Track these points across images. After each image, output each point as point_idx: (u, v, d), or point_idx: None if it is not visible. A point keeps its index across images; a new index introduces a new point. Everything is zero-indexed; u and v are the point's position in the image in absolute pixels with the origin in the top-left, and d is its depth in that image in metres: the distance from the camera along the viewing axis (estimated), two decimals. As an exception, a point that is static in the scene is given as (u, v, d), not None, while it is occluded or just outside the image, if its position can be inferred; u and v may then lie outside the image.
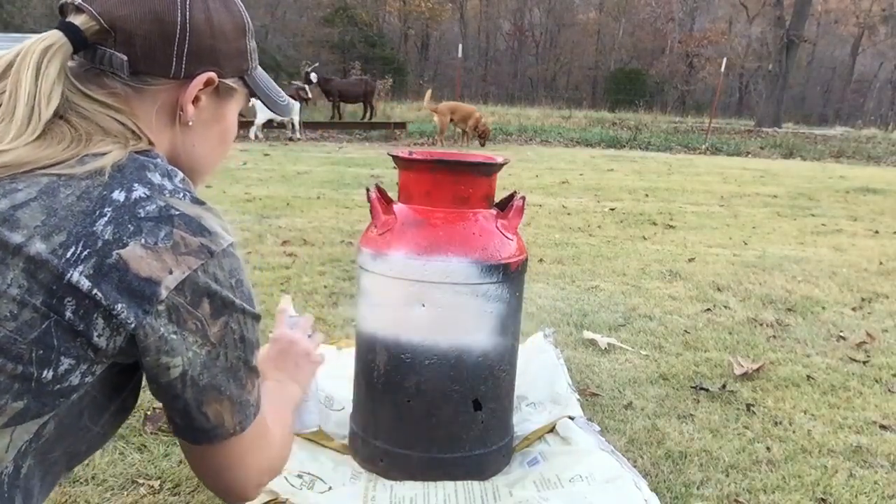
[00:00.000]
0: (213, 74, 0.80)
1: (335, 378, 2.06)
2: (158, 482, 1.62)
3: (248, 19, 0.86)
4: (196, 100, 0.81)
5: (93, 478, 1.61)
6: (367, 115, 15.07)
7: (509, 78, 35.56)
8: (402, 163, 1.69)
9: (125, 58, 0.75)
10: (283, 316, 1.18)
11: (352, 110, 15.69)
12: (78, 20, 0.75)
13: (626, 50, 36.69)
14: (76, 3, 0.76)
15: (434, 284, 1.57)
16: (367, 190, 1.67)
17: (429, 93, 12.11)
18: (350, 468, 1.73)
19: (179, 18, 0.77)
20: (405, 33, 35.82)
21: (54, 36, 0.74)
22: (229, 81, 0.84)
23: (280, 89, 0.96)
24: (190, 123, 0.82)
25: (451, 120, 11.60)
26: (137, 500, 1.56)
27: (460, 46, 16.15)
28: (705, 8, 37.67)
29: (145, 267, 0.66)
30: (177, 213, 0.70)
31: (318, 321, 2.76)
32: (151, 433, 1.81)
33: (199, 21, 0.78)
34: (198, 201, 0.74)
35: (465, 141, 11.81)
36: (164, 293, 0.67)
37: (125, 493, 1.58)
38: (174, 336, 0.68)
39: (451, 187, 1.62)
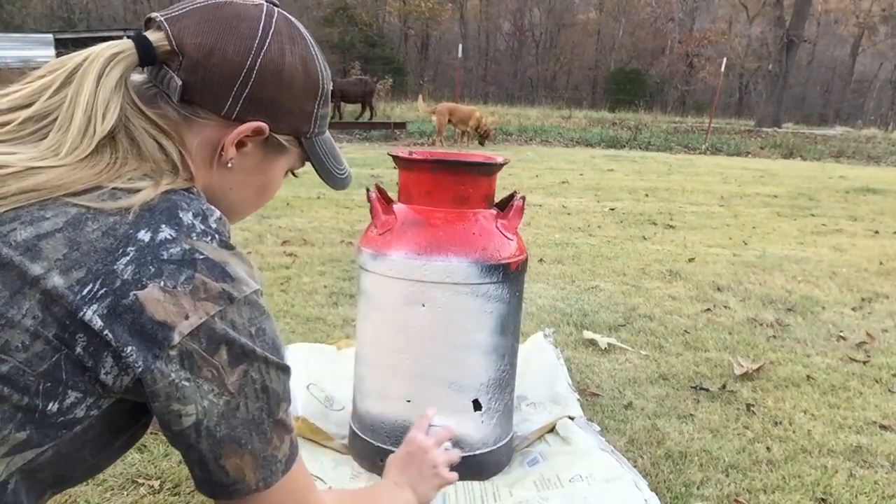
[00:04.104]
0: (263, 125, 0.78)
1: (335, 378, 2.06)
2: (158, 482, 1.62)
3: (326, 86, 0.84)
4: (241, 144, 0.79)
5: (87, 480, 1.61)
6: (369, 115, 15.06)
7: (509, 78, 35.58)
8: (402, 163, 1.69)
9: (180, 82, 0.74)
10: (424, 421, 1.14)
11: (351, 110, 15.69)
12: (153, 36, 0.75)
13: (626, 50, 36.71)
14: (158, 19, 0.76)
15: (434, 284, 1.56)
16: (367, 190, 1.67)
17: (421, 96, 12.09)
18: (350, 468, 1.73)
19: (249, 61, 0.76)
20: (405, 33, 35.84)
21: (124, 44, 0.74)
22: (282, 138, 0.82)
23: (342, 160, 0.93)
24: (229, 165, 0.80)
25: (450, 121, 11.60)
26: (137, 500, 1.56)
27: (460, 46, 16.15)
28: (705, 8, 37.68)
29: (161, 310, 0.65)
30: (201, 257, 0.68)
31: (317, 321, 2.76)
32: (151, 433, 1.81)
33: (268, 70, 0.77)
34: (226, 245, 0.72)
35: (465, 141, 11.81)
36: (176, 338, 0.65)
37: (125, 493, 1.58)
38: (187, 383, 0.66)
39: (451, 187, 1.62)
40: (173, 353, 0.65)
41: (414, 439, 1.10)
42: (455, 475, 1.11)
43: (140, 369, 0.65)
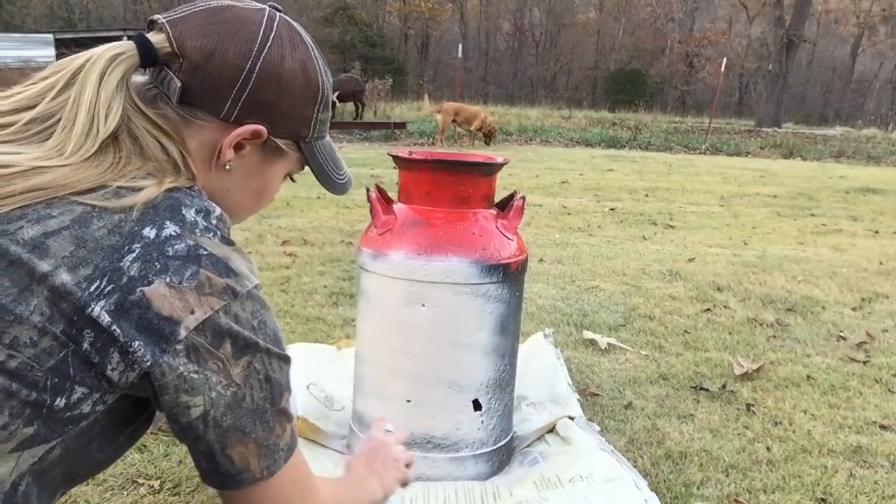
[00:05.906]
0: (261, 128, 0.79)
1: (335, 378, 2.06)
2: (158, 482, 1.62)
3: (327, 91, 0.85)
4: (239, 147, 0.80)
5: (93, 478, 1.61)
6: (362, 113, 15.00)
7: (509, 78, 35.57)
8: (402, 163, 1.69)
9: (179, 84, 0.75)
10: (381, 423, 1.20)
11: (350, 110, 15.68)
12: (155, 38, 0.76)
13: (626, 50, 36.69)
14: (160, 21, 0.77)
15: (434, 284, 1.57)
16: (367, 190, 1.67)
17: (426, 96, 12.09)
18: (350, 468, 1.73)
19: (249, 65, 0.76)
20: (405, 33, 35.85)
21: (126, 45, 0.74)
22: (281, 142, 0.83)
23: (342, 165, 0.94)
24: (227, 168, 0.80)
25: (455, 121, 11.58)
26: (137, 500, 1.56)
27: (460, 46, 16.16)
28: (705, 8, 37.69)
29: (167, 306, 0.66)
30: (205, 252, 0.69)
31: (317, 321, 2.76)
32: (151, 433, 1.81)
33: (267, 74, 0.77)
34: (228, 241, 0.73)
35: (468, 142, 11.79)
36: (183, 333, 0.66)
37: (125, 493, 1.58)
38: (195, 375, 0.68)
39: (451, 187, 1.62)
40: (180, 347, 0.67)
41: (375, 437, 1.15)
42: (412, 474, 1.15)
43: (148, 364, 0.66)
